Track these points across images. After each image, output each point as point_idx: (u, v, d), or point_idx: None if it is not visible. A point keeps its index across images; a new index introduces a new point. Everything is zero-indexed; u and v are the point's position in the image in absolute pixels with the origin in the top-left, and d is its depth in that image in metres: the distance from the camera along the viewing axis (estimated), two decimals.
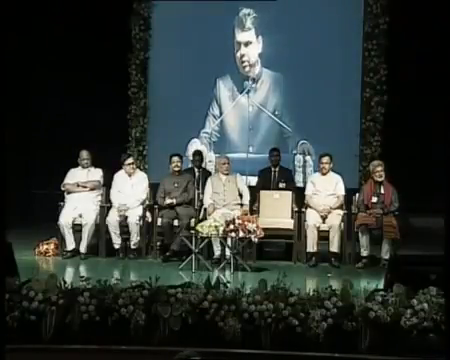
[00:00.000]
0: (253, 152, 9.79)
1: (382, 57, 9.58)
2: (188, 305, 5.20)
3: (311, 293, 5.31)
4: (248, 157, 9.54)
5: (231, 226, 7.11)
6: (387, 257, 7.39)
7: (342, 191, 8.03)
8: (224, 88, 10.07)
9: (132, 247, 7.96)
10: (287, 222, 7.96)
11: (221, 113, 10.10)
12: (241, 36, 10.02)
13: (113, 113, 9.60)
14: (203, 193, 8.06)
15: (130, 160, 8.33)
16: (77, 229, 7.95)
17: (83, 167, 8.26)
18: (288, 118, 9.95)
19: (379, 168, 7.82)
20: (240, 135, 10.03)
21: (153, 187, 8.31)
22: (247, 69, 10.01)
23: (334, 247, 7.69)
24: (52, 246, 8.02)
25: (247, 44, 10.02)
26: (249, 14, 9.95)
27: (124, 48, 9.72)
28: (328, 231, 7.74)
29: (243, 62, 10.01)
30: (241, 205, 8.01)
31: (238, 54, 10.04)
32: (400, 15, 9.25)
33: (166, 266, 7.56)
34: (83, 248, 7.89)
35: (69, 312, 5.23)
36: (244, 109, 9.97)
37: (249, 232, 7.11)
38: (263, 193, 8.25)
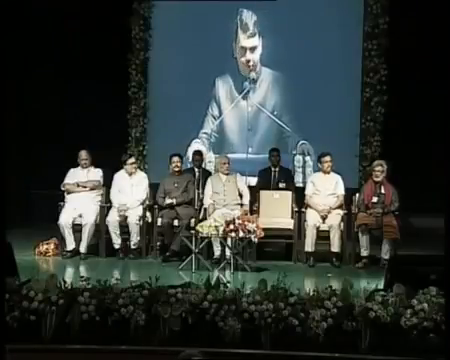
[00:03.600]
0: (252, 152, 9.80)
1: (382, 57, 9.57)
2: (188, 305, 5.21)
3: (311, 293, 5.32)
4: (248, 157, 9.54)
5: (231, 226, 7.11)
6: (387, 257, 7.39)
7: (342, 191, 8.03)
8: (223, 88, 10.07)
9: (132, 247, 7.95)
10: (287, 222, 7.96)
11: (220, 113, 10.09)
12: (247, 42, 9.96)
13: (113, 113, 9.60)
14: (203, 193, 8.06)
15: (132, 160, 8.34)
16: (77, 229, 7.94)
17: (83, 167, 8.26)
18: (288, 118, 9.95)
19: (377, 168, 7.81)
20: (239, 135, 10.03)
21: (153, 187, 8.31)
22: (252, 73, 9.99)
23: (335, 247, 7.69)
24: (52, 246, 8.02)
25: (253, 49, 9.98)
26: (252, 17, 9.92)
27: (124, 48, 9.71)
28: (328, 231, 7.74)
29: (249, 67, 9.99)
30: (241, 205, 8.01)
31: (243, 59, 9.98)
32: (400, 15, 9.25)
33: (166, 266, 7.56)
34: (83, 248, 7.88)
35: (69, 312, 5.24)
36: (243, 109, 9.97)
37: (249, 232, 7.11)
38: (263, 193, 8.25)
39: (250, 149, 9.84)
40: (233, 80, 10.03)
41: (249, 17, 9.94)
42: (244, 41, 9.99)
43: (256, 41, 9.97)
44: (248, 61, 9.98)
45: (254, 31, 9.94)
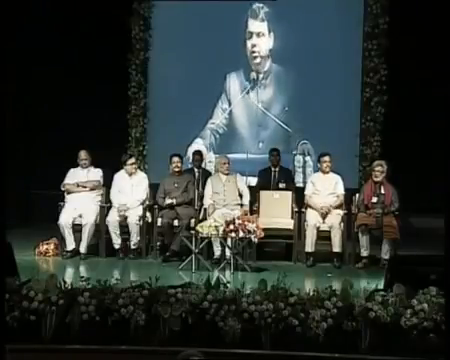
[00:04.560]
0: (262, 149, 9.76)
1: (382, 57, 9.57)
2: (188, 305, 5.21)
3: (311, 293, 5.32)
4: (248, 157, 9.54)
5: (231, 226, 7.10)
6: (387, 257, 7.39)
7: (342, 190, 8.03)
8: (234, 83, 10.07)
9: (132, 247, 7.95)
10: (287, 222, 7.96)
11: (230, 108, 10.10)
12: (254, 26, 10.00)
13: (113, 113, 9.60)
14: (203, 193, 8.05)
15: (132, 160, 8.34)
16: (77, 229, 7.94)
17: (83, 167, 8.26)
18: (291, 117, 9.94)
19: (377, 168, 7.81)
20: (249, 131, 10.05)
21: (153, 187, 8.31)
22: (257, 61, 9.99)
23: (336, 247, 7.68)
24: (52, 246, 8.02)
25: (259, 34, 10.00)
26: (263, 7, 9.95)
27: (124, 48, 9.72)
28: (328, 231, 7.74)
29: (253, 53, 10.00)
30: (241, 205, 8.01)
31: (249, 44, 10.01)
32: (400, 15, 9.25)
33: (166, 266, 7.56)
34: (83, 248, 7.88)
35: (69, 312, 5.24)
36: (251, 106, 9.98)
37: (249, 232, 7.11)
38: (263, 193, 8.25)
39: (260, 145, 9.87)
40: (245, 75, 10.01)
41: (260, 6, 9.96)
42: (252, 26, 10.02)
43: (263, 28, 9.97)
44: (253, 46, 9.99)
45: (263, 18, 9.97)
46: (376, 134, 9.61)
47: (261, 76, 9.98)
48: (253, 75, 9.96)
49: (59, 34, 9.72)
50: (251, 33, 10.03)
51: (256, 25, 10.00)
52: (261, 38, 10.00)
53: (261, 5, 9.96)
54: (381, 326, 5.11)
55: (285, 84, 9.94)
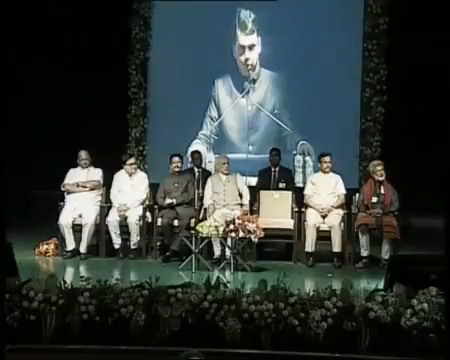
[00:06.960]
0: (253, 151, 9.80)
1: (382, 57, 9.59)
2: (188, 305, 5.21)
3: (311, 293, 5.32)
4: (248, 157, 9.55)
5: (231, 226, 7.11)
6: (387, 257, 7.38)
7: (342, 190, 8.03)
8: (223, 89, 10.07)
9: (132, 247, 7.95)
10: (287, 222, 7.96)
11: (219, 115, 10.10)
12: (245, 40, 9.99)
13: (113, 113, 9.60)
14: (203, 193, 8.06)
15: (132, 160, 8.34)
16: (77, 229, 7.94)
17: (82, 167, 8.26)
18: (287, 118, 9.95)
19: (379, 167, 7.82)
20: (239, 135, 10.04)
21: (153, 187, 8.31)
22: (251, 72, 10.00)
23: (336, 247, 7.69)
24: (52, 246, 8.02)
25: (251, 47, 10.01)
26: (250, 16, 9.94)
27: (124, 48, 9.72)
28: (328, 231, 7.74)
29: (248, 66, 10.01)
30: (241, 205, 8.01)
31: (242, 58, 10.01)
32: (400, 15, 9.25)
33: (166, 266, 7.56)
34: (83, 248, 7.88)
35: (69, 312, 5.23)
36: (243, 109, 9.99)
37: (249, 232, 7.11)
38: (263, 193, 8.25)
39: (250, 148, 9.86)
40: (233, 80, 10.03)
41: (247, 16, 9.96)
42: (242, 39, 10.01)
43: (254, 39, 9.98)
44: (247, 59, 10.00)
45: (252, 29, 9.96)
46: (376, 134, 9.62)
47: (252, 81, 9.95)
48: (251, 77, 9.95)
49: (59, 34, 9.72)
50: (243, 47, 10.02)
51: (247, 39, 10.00)
52: (253, 50, 10.01)
53: (248, 13, 9.94)
54: (381, 326, 5.10)
55: (282, 86, 9.93)
